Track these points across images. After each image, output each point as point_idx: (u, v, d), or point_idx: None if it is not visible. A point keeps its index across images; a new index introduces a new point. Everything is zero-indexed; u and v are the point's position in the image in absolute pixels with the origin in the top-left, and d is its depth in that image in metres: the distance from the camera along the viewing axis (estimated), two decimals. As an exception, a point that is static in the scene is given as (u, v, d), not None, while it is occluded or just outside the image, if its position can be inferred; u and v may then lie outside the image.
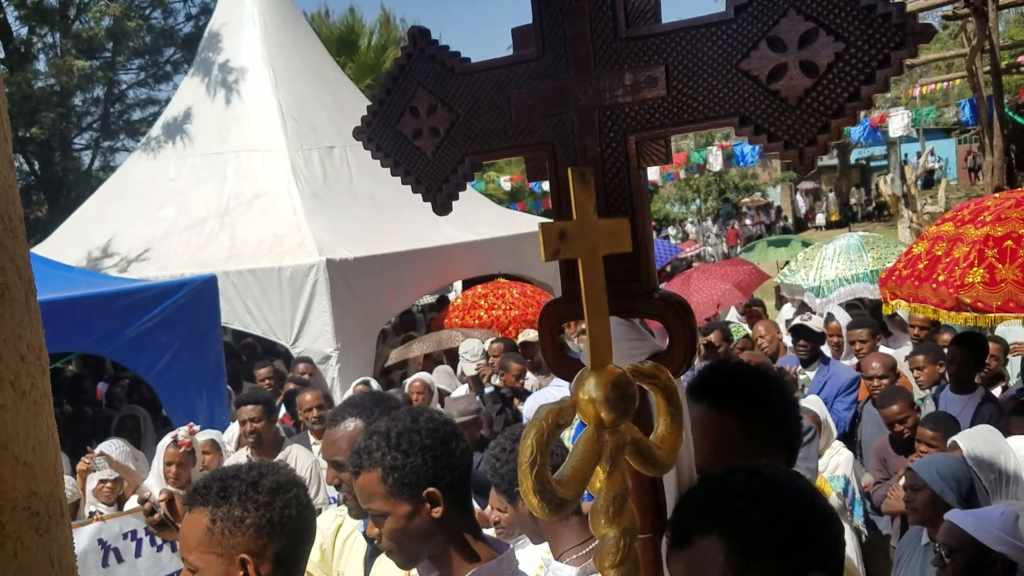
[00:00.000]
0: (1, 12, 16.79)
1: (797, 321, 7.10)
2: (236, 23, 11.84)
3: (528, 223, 12.22)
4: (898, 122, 18.35)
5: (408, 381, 7.27)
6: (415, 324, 11.92)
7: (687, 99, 1.44)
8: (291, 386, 7.37)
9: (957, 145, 36.45)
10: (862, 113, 1.39)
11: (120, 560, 4.51)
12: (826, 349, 7.06)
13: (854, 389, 6.17)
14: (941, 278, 4.56)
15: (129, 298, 7.05)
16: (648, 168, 1.56)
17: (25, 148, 17.74)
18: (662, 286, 1.82)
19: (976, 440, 3.86)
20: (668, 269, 15.20)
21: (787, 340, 7.72)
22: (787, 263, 12.31)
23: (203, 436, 5.54)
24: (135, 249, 10.31)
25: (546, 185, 1.60)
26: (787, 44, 1.36)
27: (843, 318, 7.37)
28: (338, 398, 8.19)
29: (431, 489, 1.99)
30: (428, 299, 13.91)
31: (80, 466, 5.58)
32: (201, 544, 1.92)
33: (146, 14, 19.24)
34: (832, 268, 9.17)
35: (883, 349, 6.66)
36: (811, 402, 5.23)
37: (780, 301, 11.54)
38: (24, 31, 17.52)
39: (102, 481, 5.35)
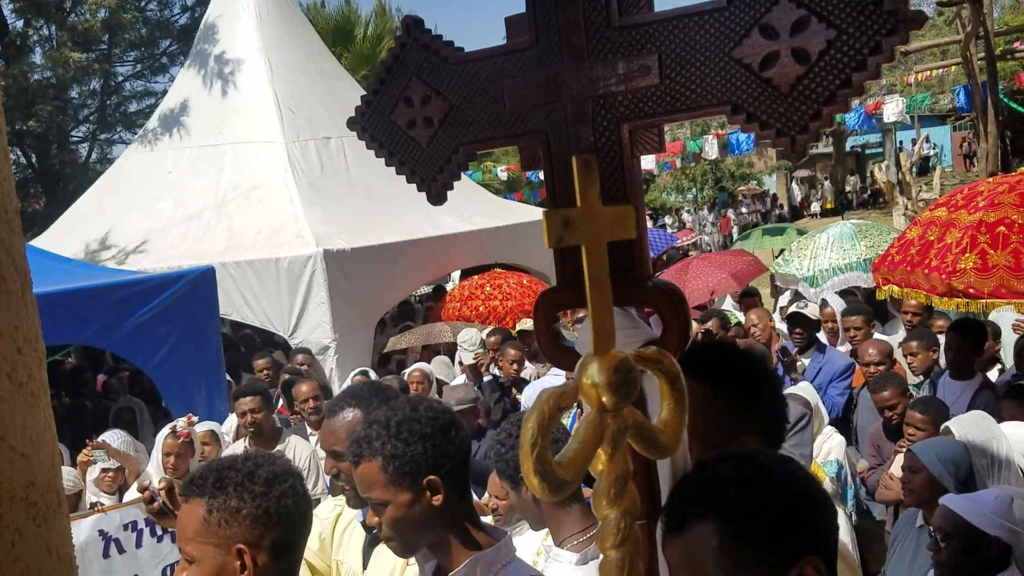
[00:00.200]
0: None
1: (793, 309, 7.12)
2: (232, 14, 11.80)
3: (525, 213, 12.22)
4: (893, 109, 18.36)
5: (407, 371, 7.28)
6: (413, 314, 11.92)
7: (680, 87, 1.44)
8: (287, 377, 7.38)
9: (952, 132, 36.44)
10: (857, 100, 1.39)
11: (121, 551, 4.52)
12: (822, 336, 7.08)
13: (848, 375, 6.19)
14: (934, 263, 4.54)
15: (127, 290, 7.05)
16: (643, 157, 1.57)
17: (22, 141, 17.70)
18: (659, 275, 1.83)
19: (969, 426, 3.87)
20: (664, 258, 15.19)
21: (781, 327, 7.75)
22: (782, 251, 12.33)
23: (202, 427, 5.56)
24: (133, 241, 10.31)
25: (543, 175, 1.61)
26: (779, 32, 1.36)
27: (838, 304, 7.39)
28: (336, 388, 8.21)
29: (431, 477, 1.99)
30: (425, 289, 13.91)
31: (81, 458, 5.60)
32: (198, 535, 1.92)
33: (141, 6, 19.20)
34: (826, 257, 9.18)
35: (878, 335, 6.68)
36: (802, 388, 5.24)
37: (775, 290, 11.56)
38: (20, 24, 17.47)
39: (104, 471, 5.39)
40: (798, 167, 35.55)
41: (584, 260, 1.02)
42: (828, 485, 4.79)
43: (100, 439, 5.61)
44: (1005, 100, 19.15)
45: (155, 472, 5.16)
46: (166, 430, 5.22)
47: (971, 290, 4.30)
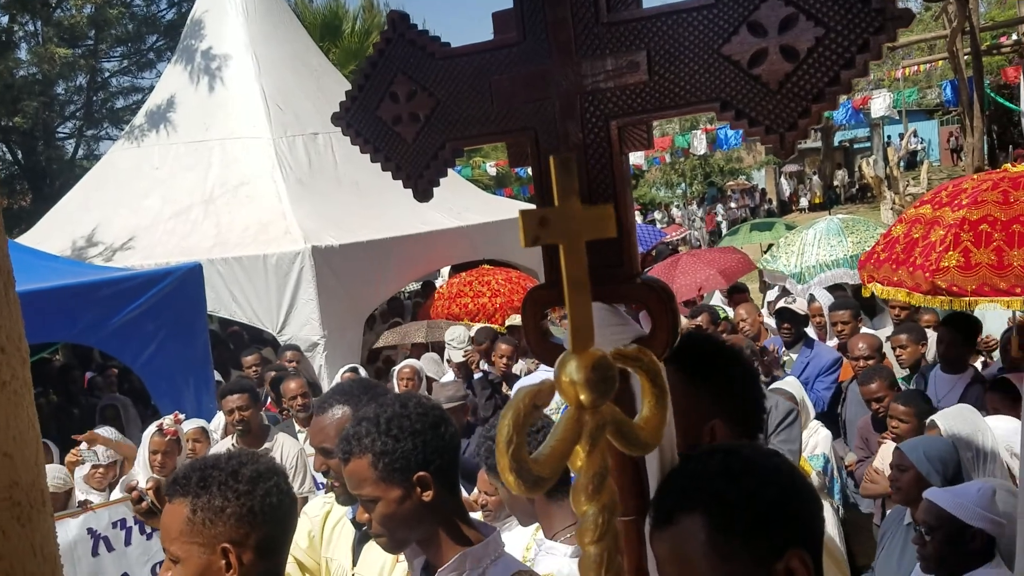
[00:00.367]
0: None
1: (781, 304, 7.15)
2: (219, 10, 11.74)
3: (513, 209, 12.20)
4: (880, 103, 18.44)
5: (397, 368, 7.28)
6: (402, 311, 11.91)
7: (669, 84, 1.44)
8: (273, 374, 7.36)
9: (939, 126, 36.63)
10: (843, 96, 1.39)
11: (110, 549, 4.51)
12: (810, 331, 7.11)
13: (835, 370, 6.22)
14: (918, 261, 4.54)
15: (114, 287, 7.02)
16: (632, 152, 1.57)
17: (8, 137, 17.61)
18: (648, 270, 1.84)
19: (954, 419, 3.88)
20: (653, 253, 15.23)
21: (769, 322, 7.78)
22: (770, 247, 12.36)
23: (191, 424, 5.54)
24: (120, 238, 10.26)
25: (531, 171, 1.60)
26: (768, 29, 1.36)
27: (825, 300, 7.42)
28: (326, 385, 8.19)
29: (421, 473, 2.00)
30: (414, 285, 13.90)
31: (69, 458, 5.58)
32: (182, 534, 1.92)
33: (128, 1, 19.09)
34: (813, 254, 9.21)
35: (865, 330, 6.72)
36: (788, 383, 5.26)
37: (764, 286, 11.59)
38: (5, 19, 17.36)
39: (94, 467, 5.37)
40: (786, 162, 35.67)
41: (562, 259, 1.02)
42: (814, 479, 4.82)
43: (95, 431, 5.62)
44: (991, 94, 19.25)
45: (142, 470, 5.13)
46: (153, 428, 5.20)
47: (954, 288, 4.29)
